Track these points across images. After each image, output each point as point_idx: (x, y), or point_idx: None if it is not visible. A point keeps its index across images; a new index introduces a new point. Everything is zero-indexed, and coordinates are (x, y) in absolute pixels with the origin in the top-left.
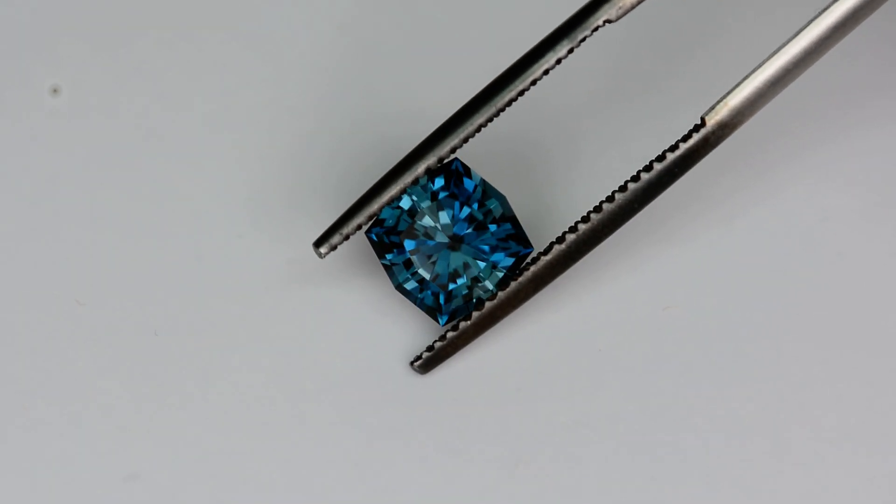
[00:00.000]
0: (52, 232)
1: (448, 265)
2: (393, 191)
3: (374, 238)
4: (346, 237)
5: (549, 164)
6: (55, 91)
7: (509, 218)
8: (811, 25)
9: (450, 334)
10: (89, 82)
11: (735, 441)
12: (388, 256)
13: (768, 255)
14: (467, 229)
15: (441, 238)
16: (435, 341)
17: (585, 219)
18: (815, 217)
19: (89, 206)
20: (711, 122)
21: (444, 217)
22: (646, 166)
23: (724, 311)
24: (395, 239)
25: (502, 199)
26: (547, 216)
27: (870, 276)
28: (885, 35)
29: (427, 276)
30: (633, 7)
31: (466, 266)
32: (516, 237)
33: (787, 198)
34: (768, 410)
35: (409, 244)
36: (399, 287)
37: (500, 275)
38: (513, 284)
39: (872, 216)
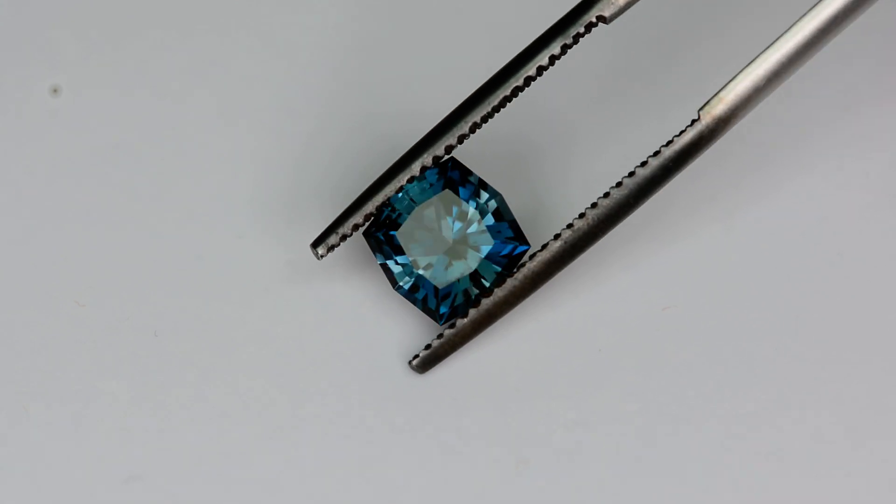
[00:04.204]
0: (52, 232)
1: (445, 264)
2: (389, 190)
3: (371, 238)
4: (344, 238)
5: (545, 161)
6: (55, 91)
7: (506, 216)
8: (807, 17)
9: (447, 332)
10: (89, 82)
11: (735, 441)
12: (386, 257)
13: (767, 254)
14: (464, 228)
15: (438, 237)
16: (432, 340)
17: (582, 215)
18: (815, 216)
19: (89, 206)
20: (707, 116)
21: (441, 216)
22: (642, 162)
23: (724, 311)
24: (391, 238)
25: (499, 198)
26: (544, 214)
27: (869, 275)
28: (884, 32)
29: (424, 275)
30: (627, 5)
31: (463, 264)
32: (513, 235)
33: (786, 197)
34: (768, 410)
35: (405, 243)
36: (397, 287)
37: (497, 273)
38: (509, 282)
39: (872, 215)
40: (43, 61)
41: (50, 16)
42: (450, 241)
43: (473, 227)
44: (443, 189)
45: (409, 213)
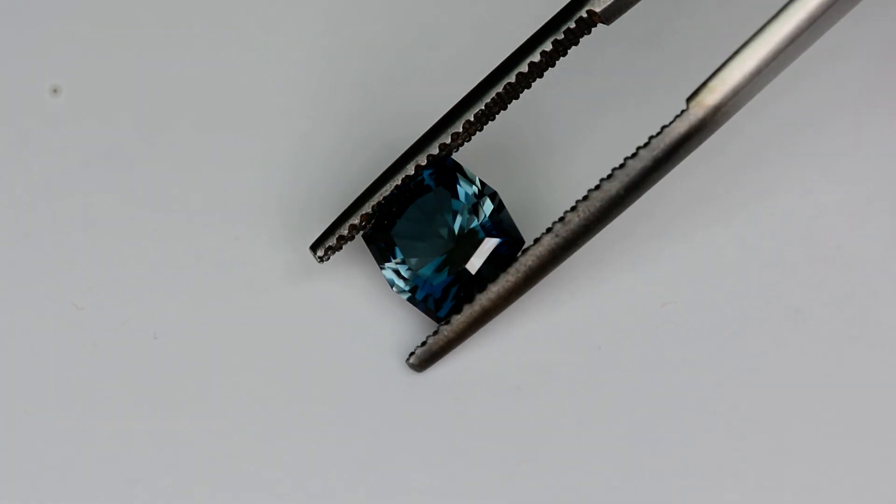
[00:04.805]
0: (50, 234)
1: (443, 263)
2: (386, 191)
3: (370, 238)
4: (342, 239)
5: (542, 159)
6: (55, 91)
7: (503, 214)
8: (799, 3)
9: (442, 328)
10: (89, 82)
11: (735, 437)
12: (385, 256)
13: (766, 250)
14: (461, 227)
15: (436, 236)
16: (428, 336)
17: (573, 208)
18: (812, 212)
19: (87, 208)
20: (696, 106)
21: (438, 215)
22: (632, 153)
23: (722, 306)
24: (389, 238)
25: (495, 196)
26: (541, 211)
27: (868, 269)
28: (881, 29)
29: (423, 274)
30: (619, 1)
31: (461, 263)
32: (510, 233)
33: (783, 193)
34: (768, 406)
35: (403, 243)
36: (395, 286)
37: (494, 270)
38: (503, 277)
39: (869, 210)
40: (43, 61)
41: (50, 16)
42: (447, 239)
43: (470, 226)
44: (439, 187)
45: (405, 213)
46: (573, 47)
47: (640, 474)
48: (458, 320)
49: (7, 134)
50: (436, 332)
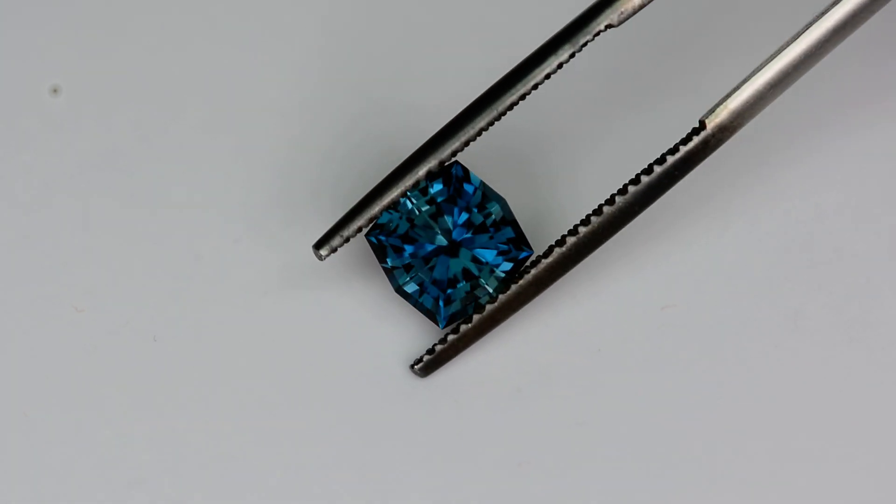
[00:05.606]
0: (50, 235)
1: (448, 269)
2: (393, 194)
3: (374, 241)
4: (346, 239)
5: (549, 167)
6: (55, 91)
7: (509, 221)
8: (810, 28)
9: (450, 337)
10: (89, 82)
11: (735, 440)
12: (388, 260)
13: (765, 252)
14: (467, 233)
15: (441, 242)
16: (435, 344)
17: (585, 221)
18: (811, 215)
19: (87, 208)
20: (711, 124)
21: (445, 220)
22: (645, 169)
23: (722, 310)
24: (395, 242)
25: (502, 203)
26: (547, 219)
27: (867, 272)
28: (882, 33)
29: (427, 279)
30: (634, 12)
31: (466, 270)
32: (516, 240)
33: (782, 196)
34: (767, 408)
35: (409, 248)
36: (399, 290)
37: (500, 278)
38: (513, 287)
39: (868, 213)
40: (43, 61)
41: (49, 16)
42: (451, 244)
43: (475, 231)
44: (445, 192)
45: (411, 216)
46: (581, 51)
47: (640, 475)
48: (467, 329)
49: (7, 134)
50: (443, 341)
